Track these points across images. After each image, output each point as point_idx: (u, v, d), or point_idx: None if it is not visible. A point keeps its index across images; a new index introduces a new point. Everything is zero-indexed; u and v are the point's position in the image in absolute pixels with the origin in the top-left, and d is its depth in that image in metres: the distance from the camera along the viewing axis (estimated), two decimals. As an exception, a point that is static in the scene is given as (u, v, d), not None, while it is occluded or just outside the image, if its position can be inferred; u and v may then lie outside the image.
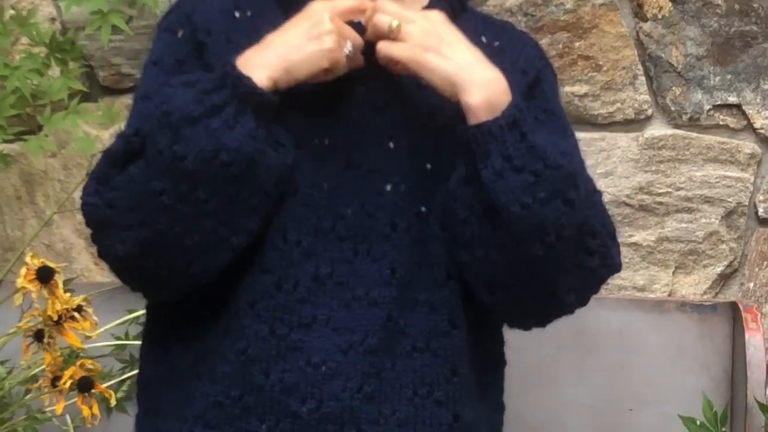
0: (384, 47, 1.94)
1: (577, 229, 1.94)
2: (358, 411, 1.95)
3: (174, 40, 2.04)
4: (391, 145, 1.98)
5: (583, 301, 2.02)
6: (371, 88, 2.00)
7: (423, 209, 1.97)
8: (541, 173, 1.90)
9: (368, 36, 1.96)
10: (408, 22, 1.94)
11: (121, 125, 2.69)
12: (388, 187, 1.97)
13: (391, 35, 1.94)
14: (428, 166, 1.98)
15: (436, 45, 1.95)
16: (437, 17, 1.96)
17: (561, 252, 1.94)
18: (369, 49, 1.97)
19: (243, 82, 1.88)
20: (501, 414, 2.10)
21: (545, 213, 1.91)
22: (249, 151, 1.89)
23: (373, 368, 1.95)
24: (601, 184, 2.72)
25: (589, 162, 2.70)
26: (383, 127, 1.99)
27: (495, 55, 1.99)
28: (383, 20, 1.93)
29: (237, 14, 2.06)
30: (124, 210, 1.91)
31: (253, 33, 1.99)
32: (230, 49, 1.97)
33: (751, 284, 2.99)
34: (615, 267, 2.00)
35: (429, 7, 2.06)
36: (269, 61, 1.91)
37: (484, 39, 2.03)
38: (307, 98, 1.96)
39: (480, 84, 1.92)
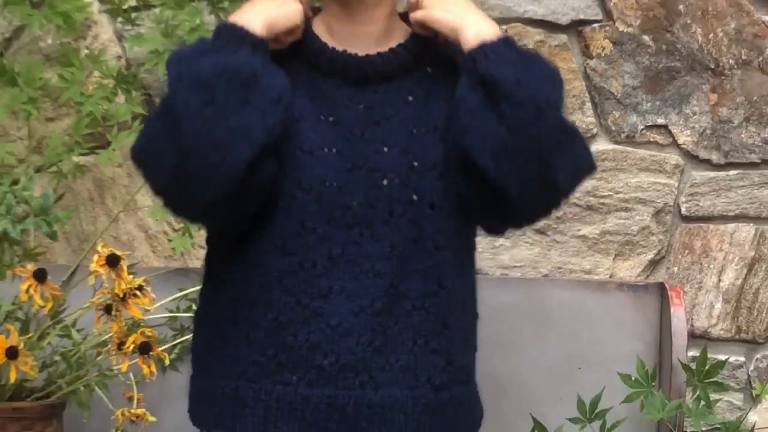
0: (412, 15, 2.01)
1: (560, 112, 1.97)
2: (369, 361, 1.98)
3: None
4: (386, 149, 2.01)
5: (569, 187, 2.03)
6: (368, 107, 2.03)
7: (414, 197, 2.00)
8: (531, 61, 1.97)
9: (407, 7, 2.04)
10: None
11: None
12: (385, 182, 2.00)
13: (416, 5, 2.00)
14: (415, 163, 2.01)
15: (442, 6, 2.00)
16: None
17: (549, 121, 1.94)
18: (369, 70, 2.04)
19: (236, 28, 1.92)
20: (475, 355, 2.12)
21: (536, 86, 1.93)
22: (251, 65, 1.90)
23: (379, 326, 1.98)
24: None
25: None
26: (379, 137, 2.02)
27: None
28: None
29: None
30: (161, 134, 1.93)
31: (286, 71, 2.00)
32: None
33: (675, 268, 3.07)
34: (593, 164, 2.06)
35: (414, 34, 2.08)
36: (258, 16, 1.95)
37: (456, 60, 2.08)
38: (319, 118, 2.01)
39: (473, 27, 1.97)
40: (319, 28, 2.07)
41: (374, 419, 2.00)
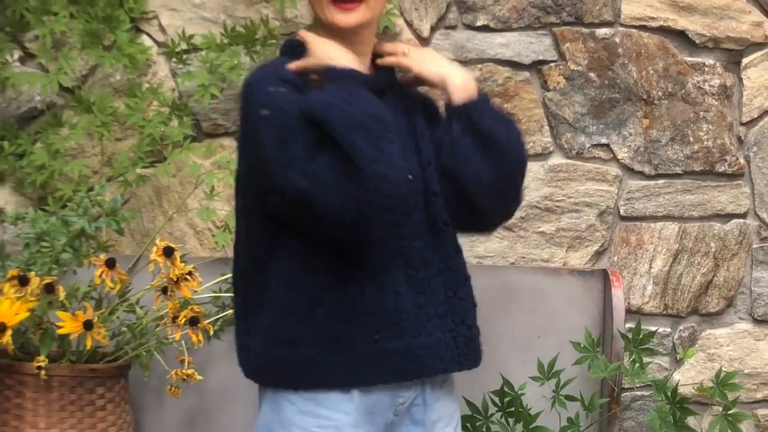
0: (402, 60, 2.00)
1: (522, 160, 2.03)
2: (416, 317, 1.94)
3: (282, 92, 1.90)
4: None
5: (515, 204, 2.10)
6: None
7: (431, 188, 1.99)
8: (504, 118, 2.02)
9: (385, 59, 2.01)
10: (414, 49, 2.02)
11: (216, 157, 2.85)
12: (410, 176, 1.92)
13: (404, 56, 2.00)
14: (418, 162, 2.00)
15: (430, 60, 2.01)
16: (428, 49, 2.09)
17: (525, 169, 2.04)
18: (370, 86, 1.95)
19: (353, 73, 1.89)
20: None
21: (515, 139, 1.99)
22: (378, 104, 1.88)
23: (422, 286, 1.96)
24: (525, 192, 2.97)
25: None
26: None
27: (429, 100, 2.14)
28: (400, 48, 2.00)
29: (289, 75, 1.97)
30: (335, 173, 1.81)
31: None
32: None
33: (615, 258, 3.05)
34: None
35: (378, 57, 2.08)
36: (349, 59, 1.91)
37: (413, 91, 2.11)
38: None
39: (458, 79, 1.98)
40: None
41: (430, 358, 1.95)
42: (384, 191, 1.81)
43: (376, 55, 2.06)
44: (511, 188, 2.04)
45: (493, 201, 2.03)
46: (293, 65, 1.95)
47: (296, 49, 2.02)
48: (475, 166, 1.98)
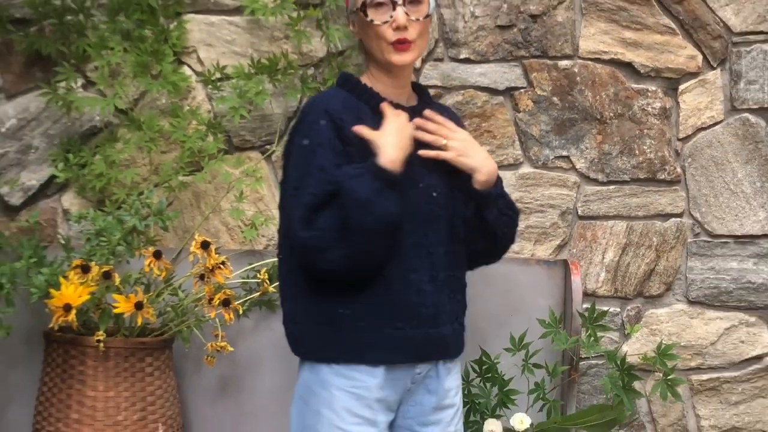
0: (442, 154, 1.99)
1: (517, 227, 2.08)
2: (438, 309, 1.99)
3: (325, 127, 1.95)
4: (427, 171, 2.00)
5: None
6: (414, 142, 1.99)
7: (452, 203, 2.01)
8: (512, 216, 2.06)
9: (428, 152, 1.99)
10: (451, 139, 1.99)
11: (244, 167, 2.84)
12: (435, 194, 1.99)
13: (443, 145, 1.99)
14: (445, 181, 2.02)
15: (463, 150, 1.99)
16: (464, 134, 2.02)
17: (513, 239, 2.09)
18: (411, 116, 2.01)
19: (390, 175, 1.89)
20: None
21: (512, 232, 2.06)
22: (397, 211, 1.89)
23: (440, 287, 1.99)
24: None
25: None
26: (422, 165, 1.99)
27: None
28: (439, 140, 1.98)
29: (344, 104, 1.99)
30: (334, 242, 1.87)
31: (359, 117, 1.96)
32: (355, 124, 1.95)
33: (574, 250, 3.03)
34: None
35: (421, 94, 2.10)
36: (400, 157, 1.91)
37: (440, 112, 2.09)
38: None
39: (485, 172, 2.00)
40: (373, 86, 2.04)
41: (443, 345, 2.01)
42: (375, 259, 1.91)
43: (414, 85, 2.12)
44: (498, 253, 2.12)
45: (489, 254, 2.13)
46: (357, 128, 1.96)
47: (349, 80, 2.04)
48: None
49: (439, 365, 2.04)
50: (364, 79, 2.05)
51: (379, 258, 1.91)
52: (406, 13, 1.95)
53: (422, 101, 2.10)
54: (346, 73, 2.08)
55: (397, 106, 2.02)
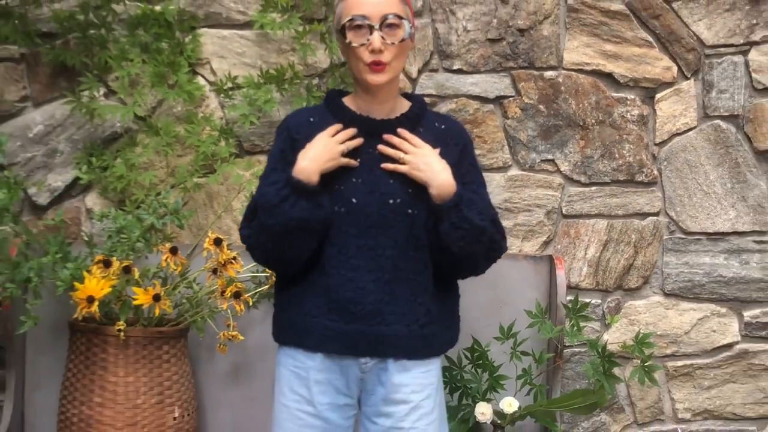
0: (399, 167, 1.98)
1: (487, 245, 1.98)
2: (382, 309, 1.98)
3: (281, 139, 2.03)
4: (391, 181, 2.00)
5: (488, 267, 2.10)
6: (381, 153, 2.01)
7: (409, 211, 1.99)
8: (468, 230, 1.95)
9: (388, 165, 1.99)
10: (409, 154, 1.98)
11: (254, 170, 2.83)
12: (391, 201, 1.99)
13: (400, 159, 1.98)
14: (409, 190, 1.99)
15: (417, 165, 1.97)
16: (425, 151, 1.98)
17: (478, 255, 1.99)
18: (383, 130, 2.01)
19: (299, 183, 1.91)
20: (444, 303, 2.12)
21: (470, 247, 1.96)
22: (304, 216, 1.90)
23: (388, 289, 1.97)
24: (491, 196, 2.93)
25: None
26: (388, 175, 2.01)
27: (442, 133, 2.06)
28: (398, 154, 1.97)
29: (311, 119, 2.03)
30: (255, 240, 1.98)
31: (319, 131, 1.99)
32: (311, 138, 1.98)
33: (559, 246, 3.02)
34: (504, 250, 2.07)
35: (411, 109, 2.06)
36: (312, 168, 1.93)
37: (436, 124, 2.07)
38: (345, 170, 2.00)
39: (435, 186, 1.95)
40: (350, 103, 2.04)
41: (385, 343, 1.99)
42: (288, 261, 1.98)
43: (405, 96, 2.09)
44: (466, 267, 2.05)
45: (453, 269, 2.05)
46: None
47: (329, 97, 2.06)
48: (435, 251, 2.02)
49: (389, 361, 2.01)
50: (350, 95, 2.07)
51: (294, 258, 1.96)
52: (383, 37, 1.94)
53: (412, 111, 2.06)
54: (332, 90, 2.09)
55: (369, 120, 2.01)
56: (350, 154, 2.00)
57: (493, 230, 2.01)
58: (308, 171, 1.94)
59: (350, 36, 1.96)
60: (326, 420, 1.99)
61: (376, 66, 1.95)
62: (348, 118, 2.01)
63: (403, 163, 1.99)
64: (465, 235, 1.96)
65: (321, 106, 2.06)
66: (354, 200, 1.97)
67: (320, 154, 1.95)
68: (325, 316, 1.98)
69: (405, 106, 2.08)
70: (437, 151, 2.02)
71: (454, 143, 2.06)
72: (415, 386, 2.02)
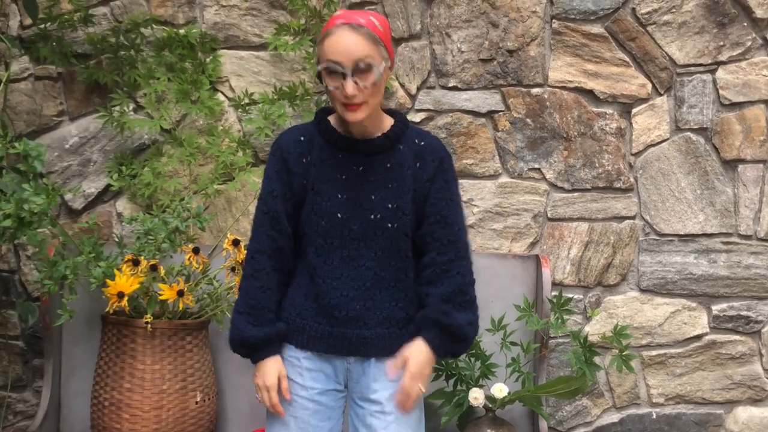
0: (400, 401, 1.95)
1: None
2: (364, 314, 1.96)
3: (275, 159, 1.97)
4: (373, 197, 1.95)
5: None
6: (364, 170, 1.95)
7: (389, 225, 1.95)
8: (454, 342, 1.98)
9: (397, 399, 1.94)
10: (410, 373, 1.93)
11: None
12: (372, 216, 1.94)
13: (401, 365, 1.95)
14: (390, 205, 1.95)
15: (415, 380, 1.93)
16: (420, 367, 1.93)
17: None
18: (364, 149, 1.94)
19: (244, 352, 1.99)
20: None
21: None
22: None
23: (369, 296, 1.95)
24: (480, 202, 2.94)
25: (475, 192, 2.87)
26: (370, 191, 1.96)
27: (420, 149, 1.98)
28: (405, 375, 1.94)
29: (302, 138, 1.98)
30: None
31: (309, 151, 1.95)
32: (301, 161, 1.93)
33: (544, 247, 3.02)
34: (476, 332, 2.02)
35: (392, 128, 1.97)
36: (259, 377, 1.98)
37: (416, 141, 1.99)
38: (335, 176, 1.95)
39: (419, 366, 1.92)
40: (335, 122, 1.99)
41: (366, 344, 1.97)
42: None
43: (389, 112, 2.02)
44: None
45: None
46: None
47: (318, 116, 2.01)
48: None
49: (372, 360, 1.99)
50: (332, 118, 2.01)
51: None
52: (356, 82, 1.87)
53: (392, 130, 1.99)
54: (320, 109, 2.04)
55: (352, 140, 1.96)
56: (336, 171, 1.95)
57: (472, 317, 2.03)
58: (261, 373, 2.00)
59: (326, 81, 1.90)
60: (318, 402, 1.99)
61: (351, 107, 1.90)
62: (333, 138, 1.98)
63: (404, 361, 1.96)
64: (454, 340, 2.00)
65: (311, 125, 2.02)
66: (339, 215, 1.94)
67: (265, 382, 1.99)
68: (314, 318, 1.97)
69: (387, 123, 2.01)
70: (416, 165, 1.98)
71: (431, 159, 1.99)
72: (395, 376, 2.01)
